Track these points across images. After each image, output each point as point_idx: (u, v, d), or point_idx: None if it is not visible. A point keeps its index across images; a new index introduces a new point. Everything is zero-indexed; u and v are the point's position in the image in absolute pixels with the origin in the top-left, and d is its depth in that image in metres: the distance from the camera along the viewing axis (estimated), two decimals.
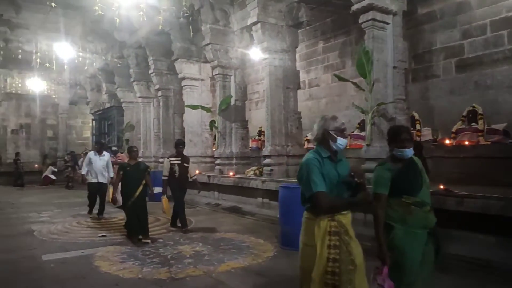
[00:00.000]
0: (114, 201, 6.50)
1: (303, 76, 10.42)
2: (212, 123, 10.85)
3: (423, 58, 8.14)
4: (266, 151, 8.44)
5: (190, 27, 10.48)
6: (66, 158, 15.55)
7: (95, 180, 8.38)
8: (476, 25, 7.31)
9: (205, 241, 5.91)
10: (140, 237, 5.99)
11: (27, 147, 20.03)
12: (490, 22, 7.11)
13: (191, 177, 7.15)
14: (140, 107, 14.99)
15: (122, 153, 11.96)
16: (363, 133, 7.73)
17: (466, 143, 6.53)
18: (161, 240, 6.13)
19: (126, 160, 8.66)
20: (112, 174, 8.38)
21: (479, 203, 4.56)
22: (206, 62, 10.88)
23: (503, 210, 4.33)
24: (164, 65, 12.77)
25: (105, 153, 8.59)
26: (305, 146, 9.46)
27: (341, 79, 7.45)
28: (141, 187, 6.12)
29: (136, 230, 6.08)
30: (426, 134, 7.40)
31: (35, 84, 18.25)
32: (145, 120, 14.85)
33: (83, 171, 8.65)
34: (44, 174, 17.71)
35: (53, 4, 8.14)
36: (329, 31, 10.43)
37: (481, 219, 4.58)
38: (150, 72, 12.95)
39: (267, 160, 8.39)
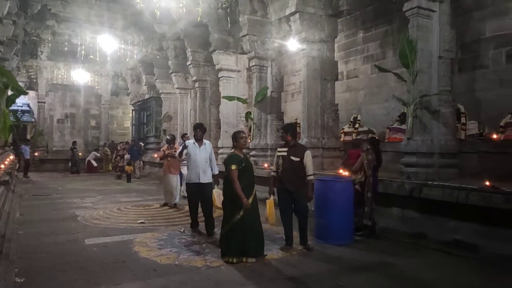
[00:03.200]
0: (247, 206, 4.53)
1: (341, 67, 10.18)
2: (247, 114, 10.86)
3: (471, 48, 7.68)
4: (301, 142, 8.33)
5: (228, 18, 10.50)
6: (118, 147, 15.67)
7: (195, 180, 5.98)
8: None
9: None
10: (246, 259, 4.49)
11: (71, 136, 21.07)
12: None
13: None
14: (178, 98, 15.31)
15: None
16: (403, 126, 7.45)
17: None
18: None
19: (164, 152, 8.74)
20: (217, 171, 6.13)
21: None
22: (243, 53, 10.87)
23: None
24: (201, 56, 12.91)
25: (205, 141, 6.18)
26: (342, 139, 9.28)
27: (382, 69, 7.21)
28: (254, 190, 4.66)
29: (238, 247, 4.50)
30: (472, 128, 7.00)
31: (80, 76, 19.12)
32: (182, 111, 15.16)
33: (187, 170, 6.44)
34: (86, 159, 18.32)
35: None
36: (369, 20, 10.08)
37: None
38: (188, 63, 13.13)
39: None
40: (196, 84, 13.31)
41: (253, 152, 10.08)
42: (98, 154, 18.77)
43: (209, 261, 4.59)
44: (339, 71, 9.29)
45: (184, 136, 9.91)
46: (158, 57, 15.08)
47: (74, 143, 18.53)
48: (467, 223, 5.03)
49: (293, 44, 9.07)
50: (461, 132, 6.85)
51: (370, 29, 10.11)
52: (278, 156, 5.14)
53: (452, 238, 5.10)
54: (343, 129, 9.72)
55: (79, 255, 4.90)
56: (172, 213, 7.69)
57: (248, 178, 4.60)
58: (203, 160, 5.94)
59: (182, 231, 6.12)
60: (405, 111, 6.71)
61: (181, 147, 6.56)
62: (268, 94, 9.97)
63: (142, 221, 6.86)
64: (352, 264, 4.58)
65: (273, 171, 5.28)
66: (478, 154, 6.44)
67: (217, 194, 5.68)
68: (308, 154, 5.04)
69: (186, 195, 7.02)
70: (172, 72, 14.50)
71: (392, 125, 8.55)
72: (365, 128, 9.36)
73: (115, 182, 13.98)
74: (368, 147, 6.01)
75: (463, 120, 7.02)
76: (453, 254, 4.85)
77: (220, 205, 5.68)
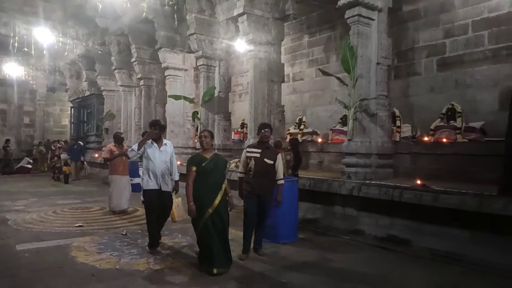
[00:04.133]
0: (190, 211, 4.27)
1: (287, 70, 10.41)
2: (194, 114, 10.75)
3: (406, 56, 8.24)
4: (248, 143, 8.41)
5: (175, 15, 10.32)
6: (52, 146, 14.69)
7: (154, 187, 4.98)
8: (458, 24, 7.43)
9: (185, 233, 5.86)
10: (215, 271, 4.10)
11: (2, 134, 19.43)
12: (472, 22, 7.23)
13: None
14: (121, 96, 14.75)
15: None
16: (344, 128, 7.79)
17: (444, 140, 6.66)
18: (139, 231, 6.05)
19: (113, 151, 7.56)
20: (177, 176, 5.25)
21: (455, 199, 4.67)
22: (190, 52, 10.74)
23: (478, 207, 4.45)
24: (147, 53, 12.55)
25: (166, 141, 5.22)
26: (287, 140, 9.48)
27: (325, 73, 7.48)
28: (221, 194, 4.29)
29: (212, 258, 4.15)
30: (406, 130, 7.51)
31: (12, 69, 17.66)
32: (126, 109, 14.63)
33: (143, 175, 5.09)
34: (19, 165, 17.24)
35: None
36: (314, 25, 10.43)
37: (456, 214, 4.70)
38: (132, 60, 12.72)
39: None
40: (141, 82, 12.91)
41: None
42: (31, 161, 17.59)
43: (152, 264, 4.48)
44: (285, 73, 9.50)
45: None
46: (100, 52, 14.41)
47: (7, 141, 17.16)
48: (401, 219, 5.38)
49: (241, 45, 9.13)
50: (396, 134, 7.31)
51: (315, 34, 10.46)
52: (248, 157, 4.73)
53: (386, 234, 5.43)
54: (289, 130, 9.95)
55: (9, 262, 4.55)
56: (113, 216, 7.39)
57: (211, 180, 4.24)
58: (163, 164, 5.01)
59: (124, 233, 5.90)
60: (347, 113, 7.03)
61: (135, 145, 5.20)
62: (216, 94, 9.95)
63: (81, 224, 6.51)
64: (296, 261, 4.71)
65: (240, 172, 4.87)
66: (411, 155, 6.92)
67: (176, 205, 5.26)
68: (279, 158, 4.88)
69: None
70: (115, 69, 13.96)
71: (335, 126, 8.92)
72: (309, 130, 9.66)
73: (51, 184, 13.14)
74: (289, 147, 6.37)
75: (398, 123, 7.50)
76: (388, 249, 5.16)
77: (179, 219, 5.38)
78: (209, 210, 4.18)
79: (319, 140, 9.18)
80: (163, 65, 11.43)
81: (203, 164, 4.26)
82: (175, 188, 5.24)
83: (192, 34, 9.59)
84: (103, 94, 15.73)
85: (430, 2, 7.86)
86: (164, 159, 5.04)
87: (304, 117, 10.08)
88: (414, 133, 7.52)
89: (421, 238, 5.06)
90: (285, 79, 9.70)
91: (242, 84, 12.92)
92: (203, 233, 4.22)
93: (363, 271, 4.34)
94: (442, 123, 6.98)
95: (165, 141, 5.18)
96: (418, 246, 5.01)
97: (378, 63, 6.42)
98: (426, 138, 7.06)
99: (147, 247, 4.99)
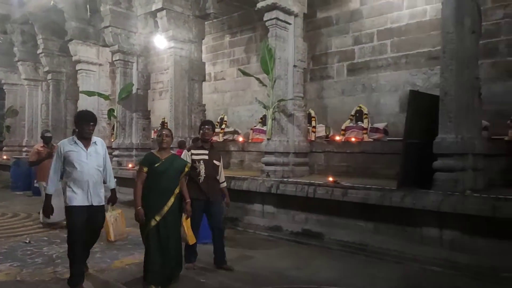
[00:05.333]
0: (137, 215, 3.71)
1: (209, 69, 10.39)
2: (110, 111, 10.17)
3: (320, 60, 8.74)
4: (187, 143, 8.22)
5: (88, 6, 9.67)
6: None
7: (81, 202, 3.71)
8: (365, 33, 8.09)
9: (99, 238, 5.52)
10: None
11: None
12: (377, 31, 7.93)
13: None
14: (26, 90, 13.44)
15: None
16: (264, 128, 8.02)
17: (353, 139, 7.22)
18: (45, 238, 5.56)
19: (40, 152, 6.53)
20: (114, 184, 4.14)
21: (361, 194, 5.10)
22: (106, 46, 10.13)
23: (380, 200, 4.90)
24: (55, 45, 11.60)
25: (96, 139, 3.91)
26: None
27: (245, 74, 7.61)
28: (172, 200, 3.82)
29: (161, 273, 3.72)
30: (320, 130, 7.98)
31: None
32: (31, 105, 13.38)
33: (50, 188, 3.78)
34: None
35: None
36: (235, 26, 10.55)
37: (362, 208, 5.12)
38: (38, 52, 11.65)
39: None
40: (49, 76, 11.87)
41: (116, 152, 9.51)
42: None
43: (59, 273, 4.14)
44: (207, 72, 9.46)
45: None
46: (0, 41, 12.93)
47: None
48: (315, 214, 5.71)
49: (160, 41, 8.87)
50: (311, 134, 7.73)
51: (236, 35, 10.59)
52: (195, 160, 4.27)
53: (302, 229, 5.72)
54: None
55: None
56: (14, 222, 6.69)
57: (162, 184, 3.76)
58: (94, 170, 3.79)
59: (27, 242, 5.37)
60: (266, 113, 7.23)
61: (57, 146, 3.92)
62: (134, 91, 9.54)
63: None
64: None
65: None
66: (324, 153, 7.37)
67: (114, 219, 4.52)
68: (221, 158, 4.60)
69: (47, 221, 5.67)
70: (18, 61, 12.71)
71: (255, 126, 9.12)
72: (231, 129, 9.75)
73: None
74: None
75: (313, 123, 7.94)
76: (302, 243, 5.45)
77: (117, 237, 4.73)
78: (156, 217, 3.69)
79: (240, 139, 9.32)
80: (74, 58, 10.62)
81: (155, 166, 3.76)
82: (112, 199, 4.18)
83: (107, 27, 9.06)
84: (4, 88, 14.22)
85: (341, 11, 8.43)
86: (95, 163, 3.80)
87: (225, 117, 10.15)
88: (327, 133, 8.02)
89: (332, 231, 5.42)
90: (207, 78, 9.67)
91: (163, 81, 12.57)
92: (147, 244, 3.75)
93: (279, 266, 4.51)
94: (351, 124, 7.55)
95: (94, 139, 3.87)
96: (329, 239, 5.36)
97: (295, 66, 6.70)
98: (338, 138, 7.57)
99: (67, 283, 3.68)
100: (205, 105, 8.97)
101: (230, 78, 10.76)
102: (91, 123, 3.79)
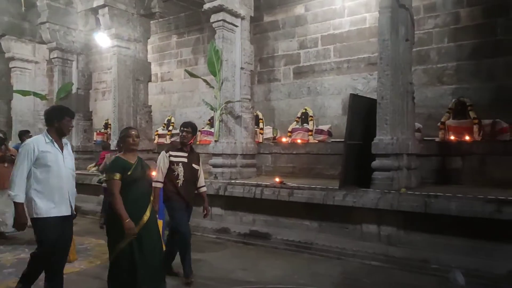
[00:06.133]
0: (129, 229, 3.10)
1: (155, 69, 10.15)
2: None
3: (267, 63, 8.89)
4: (112, 145, 7.90)
5: (22, 0, 9.04)
6: None
7: (60, 213, 3.21)
8: (310, 38, 8.34)
9: (33, 247, 5.15)
10: None
11: None
12: (321, 36, 8.22)
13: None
14: None
15: None
16: (212, 129, 7.98)
17: (299, 141, 7.42)
18: None
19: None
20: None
21: (306, 194, 5.25)
22: (43, 43, 9.56)
23: (324, 199, 5.08)
24: None
25: (65, 140, 3.44)
26: (156, 141, 9.24)
27: (192, 75, 7.53)
28: (150, 207, 3.35)
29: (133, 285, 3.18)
30: (268, 132, 8.11)
31: None
32: None
33: (20, 195, 3.09)
34: None
35: None
36: (183, 26, 10.40)
37: (307, 207, 5.28)
38: None
39: None
40: None
41: None
42: None
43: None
44: (153, 73, 9.23)
45: (25, 135, 6.97)
46: None
47: None
48: (262, 215, 5.78)
49: (102, 39, 8.51)
50: (259, 136, 7.83)
51: (183, 35, 10.44)
52: (173, 163, 4.02)
53: (249, 230, 5.77)
54: (157, 131, 9.71)
55: None
56: None
57: (139, 190, 3.30)
58: (70, 173, 3.35)
59: None
60: (214, 115, 7.21)
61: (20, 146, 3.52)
62: (74, 91, 9.10)
63: None
64: None
65: (159, 182, 4.01)
66: (271, 155, 7.50)
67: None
68: (200, 162, 4.33)
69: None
70: None
71: (203, 128, 9.04)
72: (178, 131, 9.57)
73: None
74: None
75: (261, 125, 8.05)
76: (250, 244, 5.50)
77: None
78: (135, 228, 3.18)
79: None
80: (7, 55, 9.91)
81: (129, 172, 3.24)
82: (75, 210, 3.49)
83: (43, 23, 8.55)
84: None
85: (287, 16, 8.64)
86: (70, 167, 3.36)
87: (173, 118, 9.97)
88: (275, 135, 8.16)
89: (279, 231, 5.52)
90: (153, 78, 9.42)
91: (106, 81, 12.07)
92: (116, 264, 3.21)
93: (227, 267, 4.51)
94: (297, 126, 7.76)
95: (64, 140, 3.41)
96: (276, 239, 5.45)
97: (242, 68, 6.75)
98: (284, 139, 7.73)
99: None
100: (151, 106, 8.73)
101: (178, 79, 10.59)
102: (73, 119, 3.41)
